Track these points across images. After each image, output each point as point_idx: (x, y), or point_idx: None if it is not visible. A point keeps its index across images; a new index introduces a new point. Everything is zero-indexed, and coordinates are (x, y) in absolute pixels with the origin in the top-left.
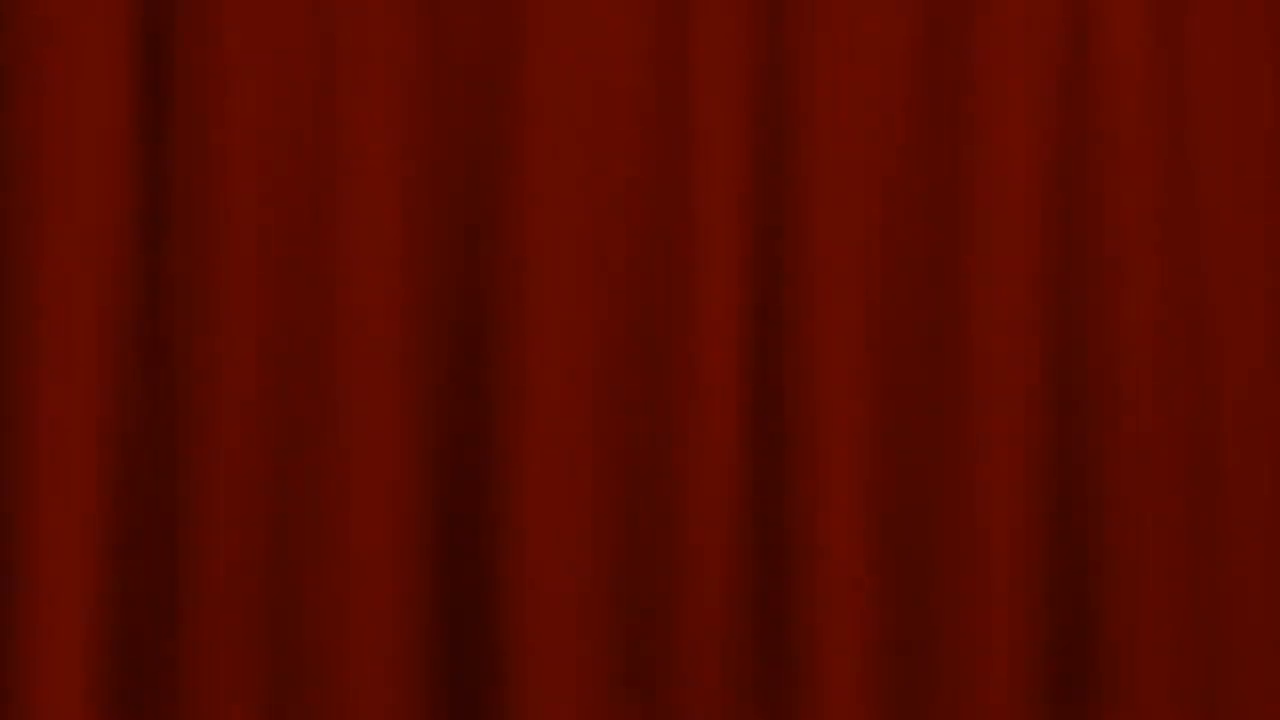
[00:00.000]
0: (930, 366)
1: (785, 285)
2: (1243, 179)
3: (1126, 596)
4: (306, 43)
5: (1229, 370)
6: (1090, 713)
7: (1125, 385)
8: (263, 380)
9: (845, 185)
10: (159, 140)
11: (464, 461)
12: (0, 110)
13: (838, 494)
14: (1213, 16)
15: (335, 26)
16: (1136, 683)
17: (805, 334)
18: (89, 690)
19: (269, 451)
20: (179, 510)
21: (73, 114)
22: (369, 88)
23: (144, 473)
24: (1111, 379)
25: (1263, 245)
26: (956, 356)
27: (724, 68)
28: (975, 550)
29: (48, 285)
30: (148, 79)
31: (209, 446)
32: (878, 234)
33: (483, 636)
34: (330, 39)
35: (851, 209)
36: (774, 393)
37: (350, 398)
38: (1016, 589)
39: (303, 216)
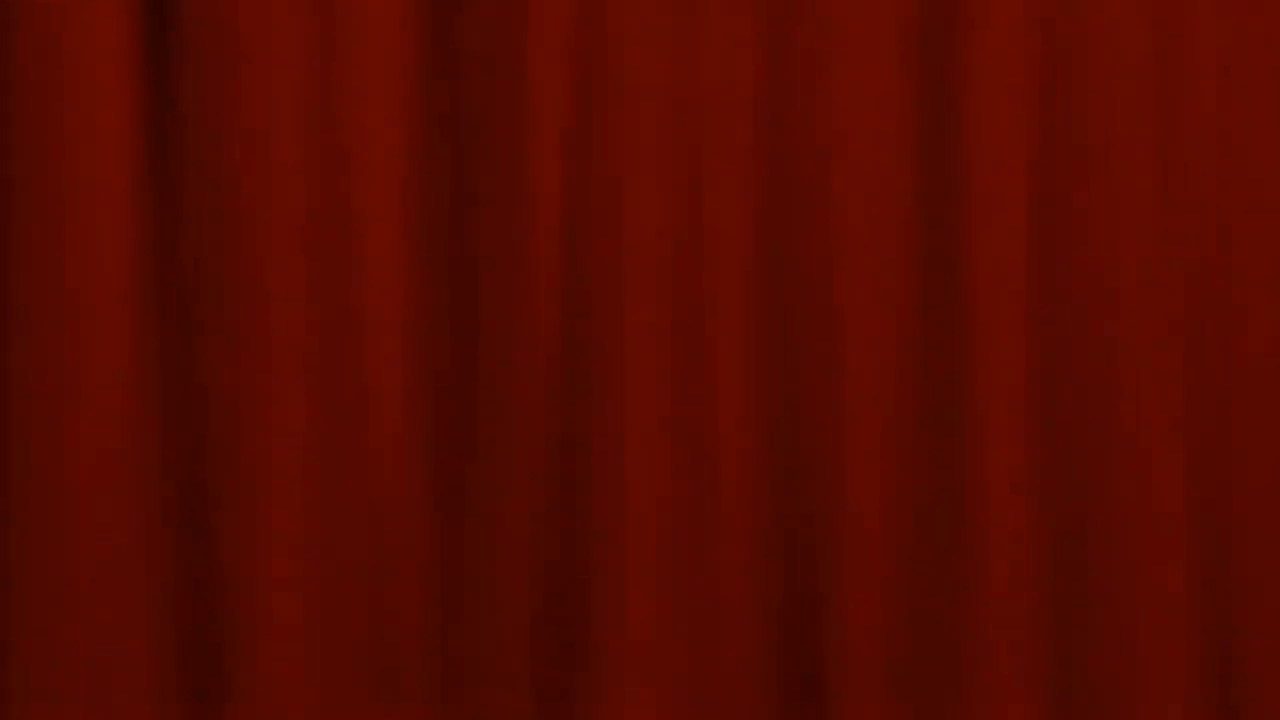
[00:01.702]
0: (931, 363)
1: (796, 281)
2: (1240, 166)
3: (1129, 597)
4: (312, 36)
5: (1230, 367)
6: (1092, 710)
7: (1123, 381)
8: (274, 373)
9: (848, 182)
10: (166, 139)
11: (472, 452)
12: (8, 111)
13: (855, 492)
14: (1210, 6)
15: (337, 20)
16: (1138, 682)
17: (817, 325)
18: (152, 687)
19: (285, 445)
20: (209, 515)
21: (79, 113)
22: (374, 85)
23: (171, 462)
24: (1108, 376)
25: (1263, 234)
26: (956, 353)
27: (727, 64)
28: (979, 545)
29: (59, 286)
30: (152, 76)
31: (224, 440)
32: (878, 232)
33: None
34: (333, 32)
35: (855, 205)
36: (790, 391)
37: (359, 391)
38: (1019, 590)
39: (311, 213)
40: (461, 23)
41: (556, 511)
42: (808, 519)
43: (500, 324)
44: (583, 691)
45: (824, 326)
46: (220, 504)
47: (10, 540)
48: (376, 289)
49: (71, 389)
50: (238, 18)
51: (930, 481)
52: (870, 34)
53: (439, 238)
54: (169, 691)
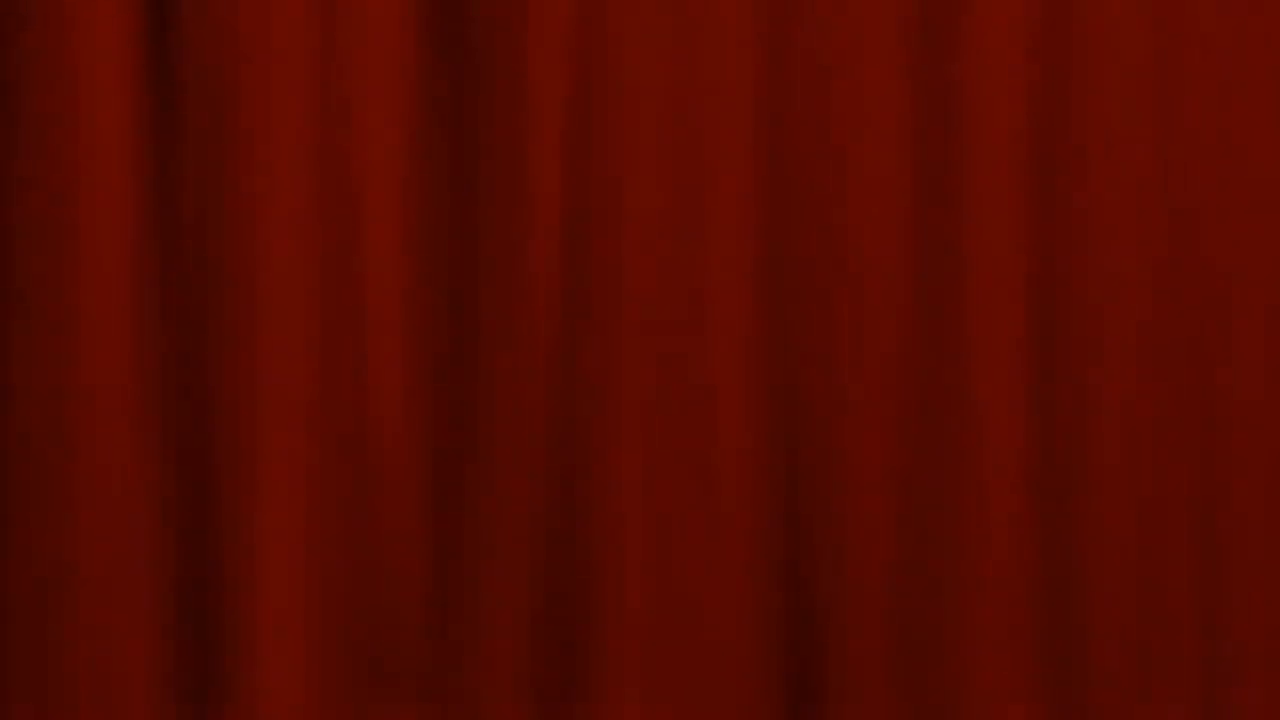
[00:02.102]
0: (931, 361)
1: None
2: (1238, 164)
3: (1131, 593)
4: (312, 36)
5: (1227, 366)
6: (1082, 708)
7: (1120, 380)
8: (273, 373)
9: (849, 181)
10: (166, 137)
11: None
12: (9, 111)
13: (857, 492)
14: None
15: (338, 19)
16: (1140, 682)
17: (818, 323)
18: (153, 678)
19: (284, 445)
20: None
21: (80, 112)
22: (374, 84)
23: (182, 454)
24: (1107, 376)
25: (1261, 222)
26: (956, 351)
27: (727, 63)
28: (981, 545)
29: (60, 284)
30: (152, 75)
31: (248, 436)
32: (878, 231)
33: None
34: (333, 32)
35: (855, 204)
36: (792, 390)
37: (359, 391)
38: (1021, 587)
39: (310, 213)
40: (462, 22)
41: (556, 510)
42: (809, 519)
43: (500, 324)
44: (582, 691)
45: (824, 324)
46: (220, 504)
47: (11, 540)
48: (376, 290)
49: (72, 387)
50: (238, 18)
51: (931, 480)
52: (870, 33)
53: (439, 238)
54: (168, 692)
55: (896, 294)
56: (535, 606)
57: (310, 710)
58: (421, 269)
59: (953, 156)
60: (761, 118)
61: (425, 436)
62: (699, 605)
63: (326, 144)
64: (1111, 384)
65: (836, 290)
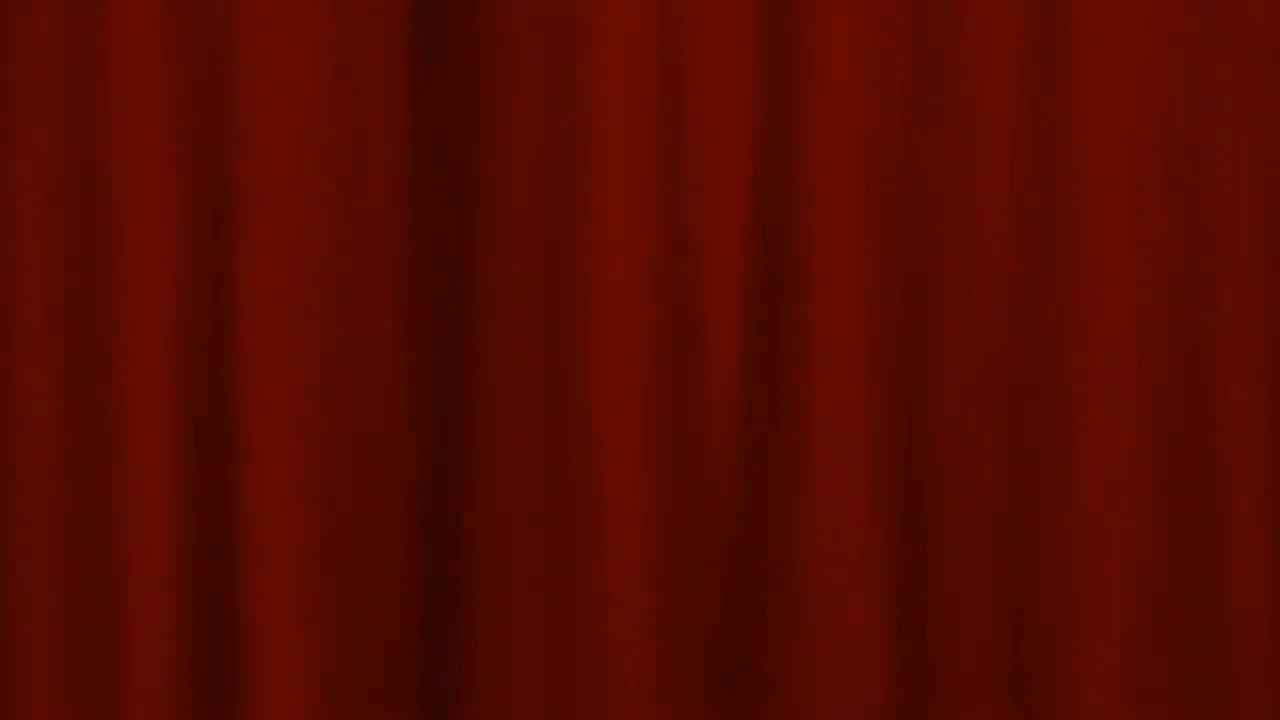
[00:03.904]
0: (922, 362)
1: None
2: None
3: (1094, 588)
4: (314, 34)
5: (1226, 350)
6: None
7: (1105, 384)
8: (275, 375)
9: (842, 176)
10: (184, 133)
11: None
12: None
13: (841, 493)
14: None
15: (338, 19)
16: (1119, 683)
17: (804, 316)
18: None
19: (285, 449)
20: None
21: (113, 114)
22: (373, 84)
23: (211, 470)
24: (1099, 362)
25: (1262, 220)
26: (942, 354)
27: (726, 51)
28: (959, 541)
29: (120, 287)
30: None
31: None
32: (875, 226)
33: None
34: (333, 31)
35: (850, 202)
36: (773, 390)
37: (358, 393)
38: (996, 575)
39: (311, 213)
40: (457, 22)
41: (551, 509)
42: (793, 525)
43: (499, 324)
44: (581, 693)
45: (820, 323)
46: (225, 505)
47: (15, 540)
48: (375, 291)
49: (101, 390)
50: (238, 16)
51: (924, 475)
52: (863, 29)
53: (438, 237)
54: (172, 694)
55: (888, 292)
56: (531, 607)
57: (311, 713)
58: (419, 270)
59: (950, 154)
60: (757, 113)
61: (423, 438)
62: (691, 602)
63: (326, 143)
64: (1111, 377)
65: (830, 293)
